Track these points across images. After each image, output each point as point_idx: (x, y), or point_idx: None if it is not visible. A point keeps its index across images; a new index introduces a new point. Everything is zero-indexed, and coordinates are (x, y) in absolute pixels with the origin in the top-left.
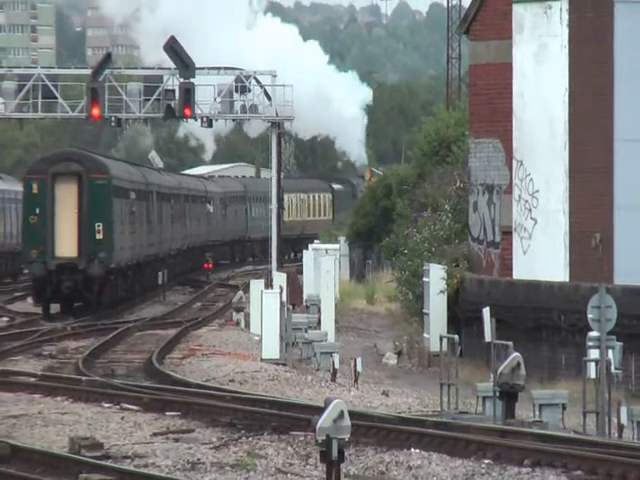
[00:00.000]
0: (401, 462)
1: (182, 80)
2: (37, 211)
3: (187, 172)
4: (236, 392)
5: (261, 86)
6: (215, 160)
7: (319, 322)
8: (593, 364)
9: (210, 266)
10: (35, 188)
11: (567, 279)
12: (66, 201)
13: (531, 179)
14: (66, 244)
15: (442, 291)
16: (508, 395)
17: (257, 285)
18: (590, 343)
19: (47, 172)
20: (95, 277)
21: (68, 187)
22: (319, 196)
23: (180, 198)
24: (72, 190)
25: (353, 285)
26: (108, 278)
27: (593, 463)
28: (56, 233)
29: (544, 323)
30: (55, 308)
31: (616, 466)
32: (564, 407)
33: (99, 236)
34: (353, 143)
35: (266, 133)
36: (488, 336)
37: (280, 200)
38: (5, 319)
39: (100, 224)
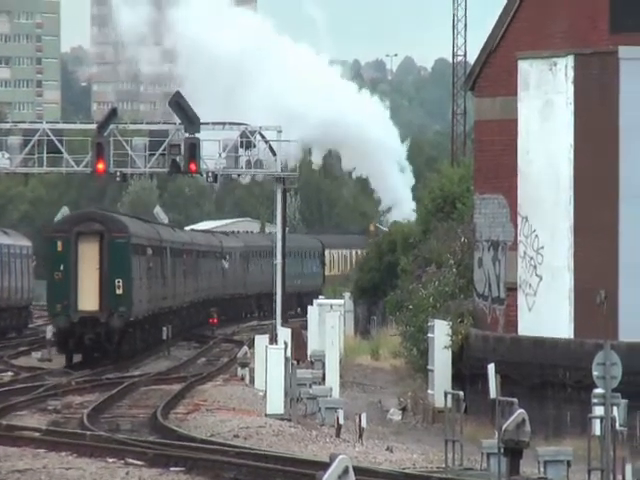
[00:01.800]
0: None
1: (187, 135)
2: (61, 267)
3: (193, 227)
4: (241, 447)
5: (266, 141)
6: (219, 215)
7: (324, 377)
8: (598, 421)
9: (215, 321)
10: (60, 246)
11: (572, 336)
12: (88, 258)
13: (536, 235)
14: (88, 298)
15: (447, 347)
16: (513, 452)
17: (262, 340)
18: (595, 400)
19: (71, 231)
20: (115, 329)
21: (90, 245)
22: (359, 252)
23: (192, 253)
24: (94, 248)
25: (358, 341)
26: (127, 330)
27: None
28: (79, 288)
29: (549, 380)
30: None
31: None
32: (569, 464)
33: (119, 291)
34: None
35: (269, 188)
36: (493, 392)
37: (284, 256)
38: (10, 374)
39: (120, 280)
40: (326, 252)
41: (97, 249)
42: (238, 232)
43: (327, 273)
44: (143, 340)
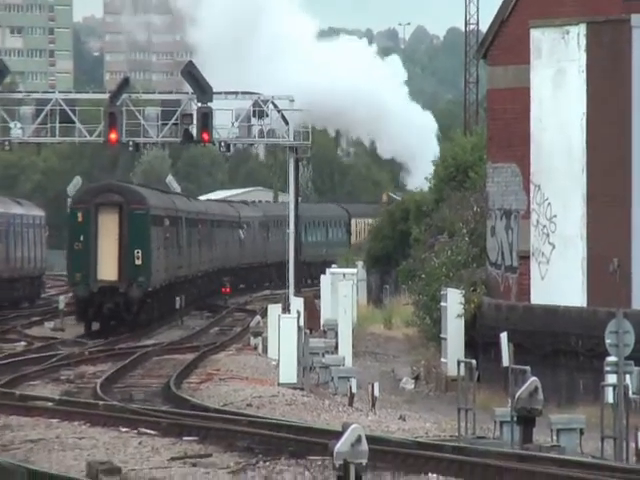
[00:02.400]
0: None
1: (200, 105)
2: (81, 238)
3: (207, 197)
4: (254, 417)
5: (278, 110)
6: (232, 184)
7: (336, 347)
8: (611, 389)
9: (228, 290)
10: (80, 217)
11: (585, 304)
12: (108, 229)
13: (549, 204)
14: (108, 268)
15: (459, 315)
16: (526, 420)
17: (275, 310)
18: (608, 368)
19: (91, 202)
20: (134, 299)
21: (110, 217)
22: None
23: (207, 223)
24: (114, 219)
25: (370, 310)
26: (145, 300)
27: None
28: (99, 258)
29: (562, 348)
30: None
31: None
32: (582, 432)
33: (138, 262)
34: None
35: (282, 158)
36: (506, 361)
37: (297, 225)
38: (23, 344)
39: (139, 250)
40: (352, 221)
41: (117, 220)
42: (259, 201)
43: (353, 241)
44: (160, 309)
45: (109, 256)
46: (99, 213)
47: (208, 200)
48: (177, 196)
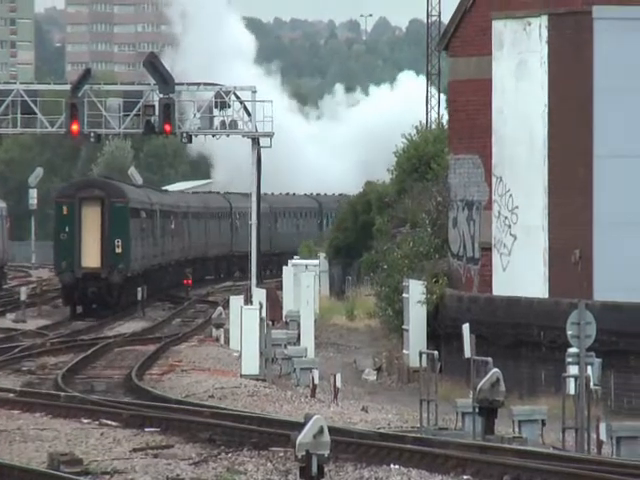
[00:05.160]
0: (380, 478)
1: (162, 96)
2: (66, 229)
3: (169, 187)
4: (216, 408)
5: (241, 102)
6: (195, 176)
7: (299, 338)
8: (572, 380)
9: (189, 282)
10: (65, 210)
11: (547, 295)
12: (91, 221)
13: (510, 195)
14: (91, 256)
15: (421, 301)
16: (488, 411)
17: (237, 301)
18: (569, 359)
19: (75, 197)
20: (115, 284)
21: (93, 209)
22: None
23: (178, 215)
24: (96, 212)
25: (333, 301)
26: (125, 284)
27: (572, 479)
28: (83, 247)
29: (524, 339)
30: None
31: None
32: (543, 423)
33: (118, 250)
34: None
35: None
36: (468, 352)
37: (259, 217)
38: None
39: (119, 240)
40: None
41: (99, 213)
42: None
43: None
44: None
45: (92, 245)
46: (82, 206)
47: (180, 192)
48: (152, 190)
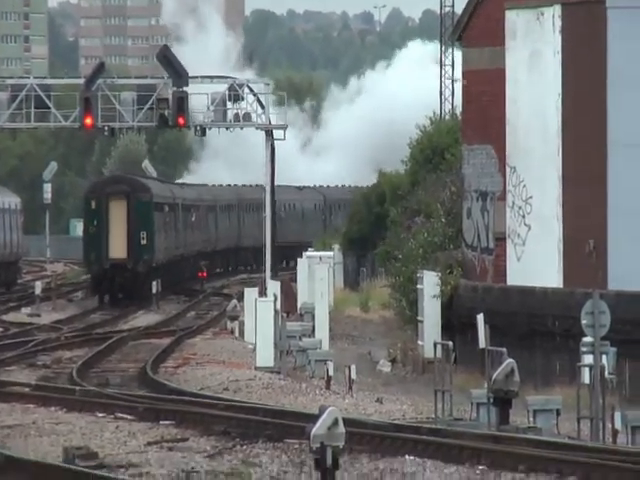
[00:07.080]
0: (395, 469)
1: (175, 89)
2: (95, 223)
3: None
4: (230, 400)
5: (254, 94)
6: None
7: (313, 330)
8: (587, 370)
9: (204, 275)
10: (93, 205)
11: (561, 285)
12: (118, 215)
13: (524, 185)
14: (118, 248)
15: (436, 295)
16: (502, 401)
17: (251, 293)
18: (584, 349)
19: (103, 192)
20: (141, 274)
21: (119, 204)
22: None
23: (199, 208)
24: (122, 206)
25: (347, 293)
26: (150, 274)
27: (587, 469)
28: (110, 239)
29: (538, 329)
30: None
31: (610, 471)
32: (558, 413)
33: (143, 242)
34: None
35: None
36: (482, 342)
37: (274, 210)
38: None
39: (144, 232)
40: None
41: (125, 207)
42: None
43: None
44: (162, 284)
45: (119, 237)
46: (110, 201)
47: (200, 186)
48: (174, 185)
